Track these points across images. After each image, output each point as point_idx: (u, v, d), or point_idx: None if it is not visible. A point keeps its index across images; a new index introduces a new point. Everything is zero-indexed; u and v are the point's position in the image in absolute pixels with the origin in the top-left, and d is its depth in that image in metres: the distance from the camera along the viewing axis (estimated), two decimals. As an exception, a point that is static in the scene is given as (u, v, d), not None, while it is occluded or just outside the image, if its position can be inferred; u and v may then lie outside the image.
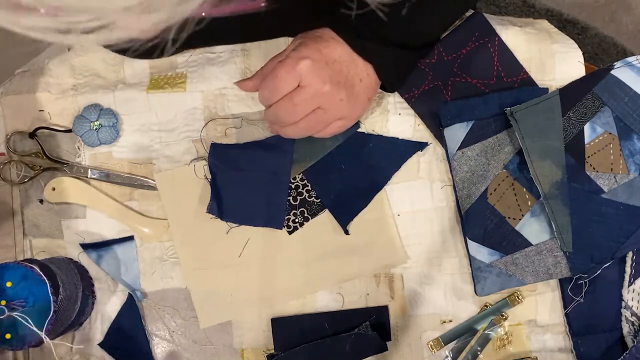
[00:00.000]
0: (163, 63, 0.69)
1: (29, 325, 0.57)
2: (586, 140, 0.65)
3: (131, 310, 0.67)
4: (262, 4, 0.31)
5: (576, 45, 0.68)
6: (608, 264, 0.64)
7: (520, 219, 0.65)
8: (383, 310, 0.67)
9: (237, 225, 0.68)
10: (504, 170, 0.66)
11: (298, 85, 0.56)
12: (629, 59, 0.66)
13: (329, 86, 0.56)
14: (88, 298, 0.66)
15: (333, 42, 0.58)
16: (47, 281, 0.58)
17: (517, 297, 0.67)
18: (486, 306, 0.67)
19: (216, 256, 0.68)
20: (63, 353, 0.68)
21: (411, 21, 0.58)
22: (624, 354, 0.64)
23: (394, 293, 0.68)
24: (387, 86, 0.63)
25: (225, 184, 0.67)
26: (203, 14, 0.29)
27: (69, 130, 0.68)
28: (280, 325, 0.67)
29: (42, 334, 0.57)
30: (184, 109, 0.68)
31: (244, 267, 0.67)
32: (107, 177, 0.68)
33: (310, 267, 0.67)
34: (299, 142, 0.67)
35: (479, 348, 0.67)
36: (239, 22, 0.32)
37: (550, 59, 0.68)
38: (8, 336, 0.57)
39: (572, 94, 0.65)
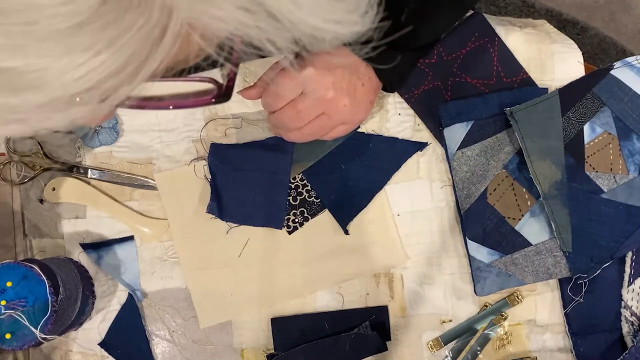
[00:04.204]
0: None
1: (28, 325, 0.57)
2: (586, 140, 0.65)
3: (131, 310, 0.67)
4: (212, 100, 0.32)
5: (576, 46, 0.68)
6: (607, 264, 0.64)
7: (519, 219, 0.65)
8: (383, 310, 0.67)
9: (237, 225, 0.68)
10: (504, 170, 0.66)
11: (301, 92, 0.56)
12: (629, 59, 0.66)
13: (332, 92, 0.56)
14: (88, 298, 0.66)
15: (335, 47, 0.58)
16: (47, 281, 0.58)
17: (517, 297, 0.67)
18: (486, 306, 0.67)
19: (216, 256, 0.68)
20: (63, 353, 0.68)
21: (412, 23, 0.58)
22: (624, 354, 0.64)
23: (394, 293, 0.68)
24: (387, 87, 0.64)
25: (225, 184, 0.67)
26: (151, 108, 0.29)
27: (69, 132, 0.68)
28: (280, 325, 0.67)
29: (42, 334, 0.57)
30: (183, 109, 0.68)
31: (244, 267, 0.67)
32: (107, 177, 0.68)
33: (310, 267, 0.67)
34: (299, 143, 0.67)
35: (478, 348, 0.67)
36: None
37: (549, 59, 0.68)
38: (8, 336, 0.57)
39: (571, 94, 0.65)
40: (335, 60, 0.57)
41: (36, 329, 0.57)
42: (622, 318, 0.65)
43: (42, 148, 0.68)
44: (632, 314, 0.65)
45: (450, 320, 0.68)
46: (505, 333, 0.67)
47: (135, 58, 0.23)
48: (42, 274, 0.58)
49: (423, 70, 0.67)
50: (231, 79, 0.32)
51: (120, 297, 0.68)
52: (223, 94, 0.32)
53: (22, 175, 0.68)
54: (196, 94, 0.32)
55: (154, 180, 0.68)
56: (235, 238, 0.68)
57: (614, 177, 0.65)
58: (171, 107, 0.31)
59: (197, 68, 0.30)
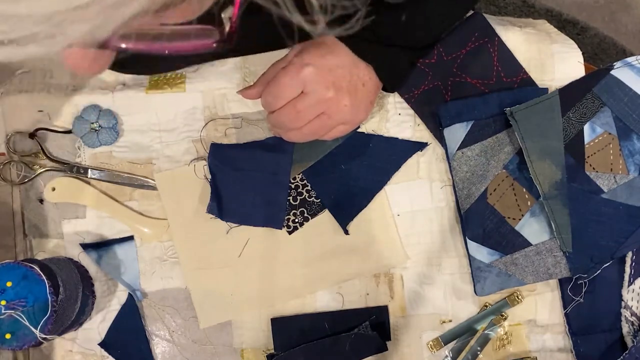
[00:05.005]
0: (163, 63, 0.69)
1: (28, 325, 0.57)
2: (586, 140, 0.65)
3: (131, 310, 0.67)
4: (214, 44, 0.31)
5: (576, 46, 0.68)
6: (608, 264, 0.64)
7: (520, 219, 0.65)
8: (383, 310, 0.67)
9: (237, 225, 0.68)
10: (504, 170, 0.66)
11: (302, 92, 0.56)
12: (629, 59, 0.66)
13: (332, 92, 0.56)
14: (88, 298, 0.66)
15: (335, 47, 0.58)
16: (47, 281, 0.58)
17: (517, 297, 0.67)
18: (486, 306, 0.67)
19: (216, 256, 0.68)
20: (63, 353, 0.68)
21: (412, 23, 0.58)
22: (624, 354, 0.64)
23: (394, 293, 0.68)
24: (388, 87, 0.64)
25: (225, 184, 0.67)
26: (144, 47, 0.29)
27: (69, 132, 0.68)
28: (280, 325, 0.67)
29: (42, 334, 0.57)
30: (183, 109, 0.68)
31: (244, 267, 0.67)
32: (107, 177, 0.68)
33: (310, 267, 0.67)
34: (299, 143, 0.67)
35: (478, 348, 0.67)
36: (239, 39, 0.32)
37: (549, 59, 0.68)
38: (8, 336, 0.57)
39: (571, 94, 0.65)
40: (335, 59, 0.57)
41: (36, 329, 0.57)
42: (622, 318, 0.65)
43: (42, 148, 0.67)
44: (632, 314, 0.65)
45: (450, 320, 0.68)
46: (505, 333, 0.67)
47: None
48: (42, 274, 0.58)
49: (423, 70, 0.67)
50: (233, 24, 0.31)
51: (120, 297, 0.68)
52: (225, 39, 0.32)
53: (22, 175, 0.68)
54: (197, 36, 0.31)
55: (154, 180, 0.68)
56: (235, 238, 0.68)
57: (614, 177, 0.65)
58: (167, 51, 0.31)
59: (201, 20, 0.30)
